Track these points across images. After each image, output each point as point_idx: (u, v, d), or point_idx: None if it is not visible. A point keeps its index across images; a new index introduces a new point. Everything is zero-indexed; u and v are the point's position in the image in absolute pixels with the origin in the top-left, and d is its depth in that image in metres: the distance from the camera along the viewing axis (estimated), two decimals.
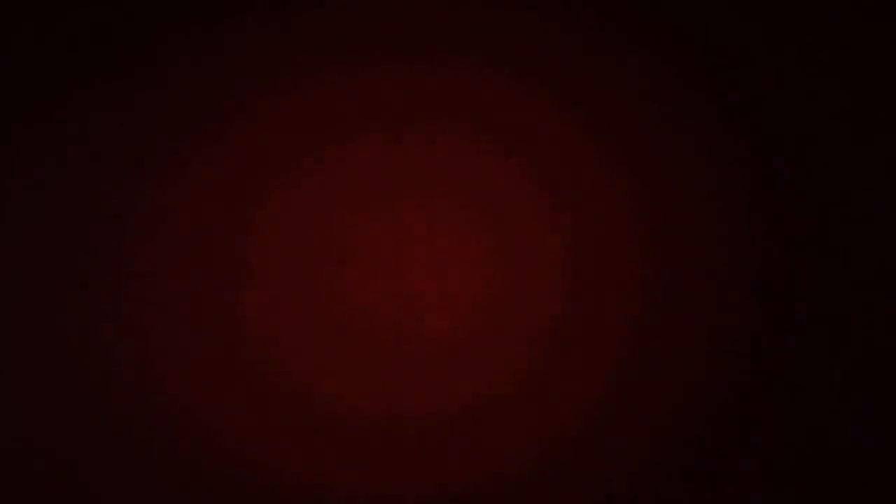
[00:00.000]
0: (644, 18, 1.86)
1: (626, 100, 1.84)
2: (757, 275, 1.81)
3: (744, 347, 1.80)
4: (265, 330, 1.81)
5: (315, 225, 1.82)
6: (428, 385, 1.80)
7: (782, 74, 1.84)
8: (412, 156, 1.84)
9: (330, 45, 1.86)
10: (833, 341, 1.80)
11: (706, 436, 1.79)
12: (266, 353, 1.80)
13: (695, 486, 1.79)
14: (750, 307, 1.81)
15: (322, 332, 1.80)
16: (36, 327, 1.80)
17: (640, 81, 1.85)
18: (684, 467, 1.79)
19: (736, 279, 1.81)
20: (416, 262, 1.82)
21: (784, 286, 1.81)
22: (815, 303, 1.80)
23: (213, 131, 1.83)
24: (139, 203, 1.83)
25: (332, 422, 1.79)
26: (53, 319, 1.80)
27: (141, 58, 1.84)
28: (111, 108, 1.84)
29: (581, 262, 1.82)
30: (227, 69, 1.85)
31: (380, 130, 1.84)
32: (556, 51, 1.85)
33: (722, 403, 1.79)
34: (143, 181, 1.83)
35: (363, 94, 1.85)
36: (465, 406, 1.80)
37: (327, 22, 1.86)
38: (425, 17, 1.86)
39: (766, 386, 1.79)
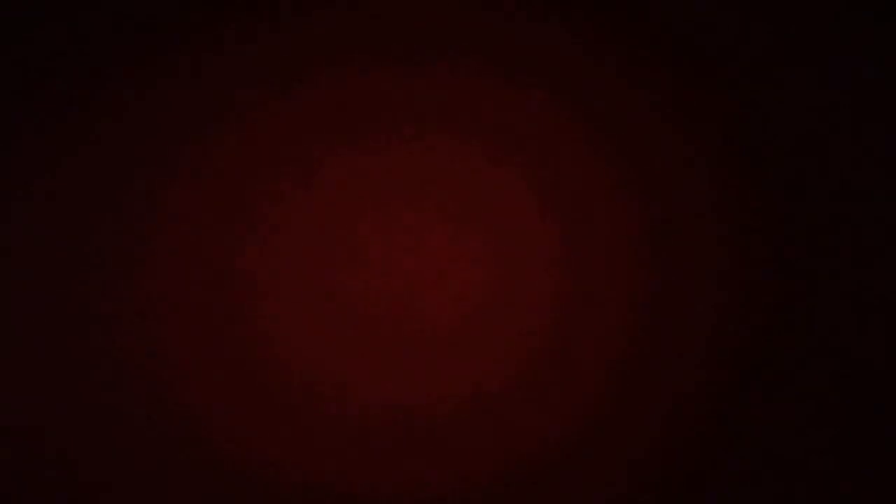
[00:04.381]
0: (640, 18, 1.85)
1: (621, 101, 1.84)
2: (756, 275, 1.81)
3: (742, 346, 1.80)
4: (269, 330, 1.81)
5: (315, 227, 1.83)
6: (429, 383, 1.80)
7: (783, 75, 1.84)
8: (411, 158, 1.84)
9: (328, 49, 1.86)
10: (833, 341, 1.80)
11: (705, 435, 1.79)
12: (271, 353, 1.81)
13: (694, 485, 1.79)
14: (749, 307, 1.81)
15: (324, 331, 1.81)
16: (41, 330, 1.80)
17: (637, 82, 1.85)
18: (683, 465, 1.79)
19: (735, 279, 1.81)
20: (416, 262, 1.82)
21: (784, 286, 1.81)
22: (815, 302, 1.81)
23: (212, 136, 1.84)
24: (142, 207, 1.83)
25: (334, 419, 1.80)
26: (57, 321, 1.81)
27: (139, 59, 1.84)
28: (111, 109, 1.84)
29: (578, 261, 1.82)
30: (226, 73, 1.85)
31: (378, 133, 1.84)
32: (552, 53, 1.85)
33: (721, 403, 1.80)
34: (144, 185, 1.83)
35: (362, 97, 1.85)
36: (466, 403, 1.80)
37: (324, 25, 1.86)
38: (422, 20, 1.86)
39: (765, 386, 1.80)
